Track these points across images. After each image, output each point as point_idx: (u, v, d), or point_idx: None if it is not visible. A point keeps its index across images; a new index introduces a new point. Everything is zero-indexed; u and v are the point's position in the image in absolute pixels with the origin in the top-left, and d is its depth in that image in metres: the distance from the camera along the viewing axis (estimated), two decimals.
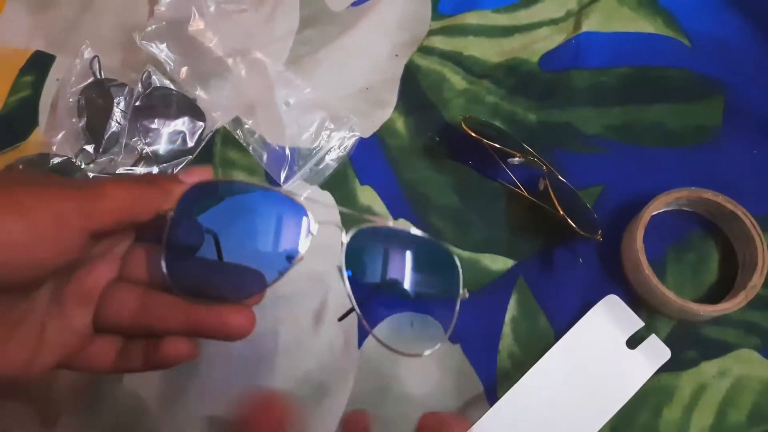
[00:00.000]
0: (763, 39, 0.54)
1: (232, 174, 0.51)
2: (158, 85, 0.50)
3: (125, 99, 0.50)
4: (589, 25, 0.55)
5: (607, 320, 0.43)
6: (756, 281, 0.42)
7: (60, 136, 0.50)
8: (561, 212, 0.43)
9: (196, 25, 0.50)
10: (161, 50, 0.51)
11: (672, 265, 0.46)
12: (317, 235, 0.48)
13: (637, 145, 0.51)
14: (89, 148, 0.49)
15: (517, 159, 0.47)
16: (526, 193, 0.48)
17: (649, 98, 0.52)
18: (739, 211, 0.44)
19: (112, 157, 0.49)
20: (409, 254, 0.37)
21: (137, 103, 0.49)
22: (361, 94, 0.54)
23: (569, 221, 0.43)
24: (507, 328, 0.45)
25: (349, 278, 0.34)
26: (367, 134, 0.52)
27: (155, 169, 0.49)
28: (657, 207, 0.46)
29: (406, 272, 0.37)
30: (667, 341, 0.43)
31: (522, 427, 0.40)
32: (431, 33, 0.57)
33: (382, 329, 0.45)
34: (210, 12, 0.52)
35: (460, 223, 0.49)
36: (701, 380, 0.42)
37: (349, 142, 0.51)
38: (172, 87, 0.50)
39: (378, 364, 0.44)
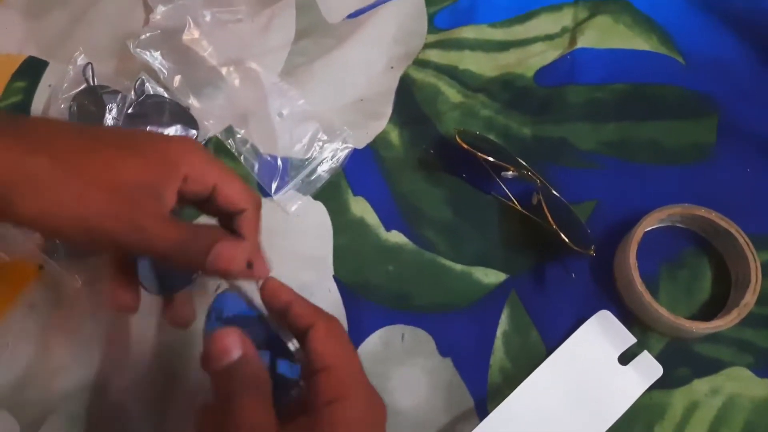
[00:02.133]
0: (757, 57, 0.55)
1: None
2: (151, 92, 0.50)
3: (118, 106, 0.50)
4: (584, 41, 0.55)
5: (600, 336, 0.43)
6: (749, 299, 0.42)
7: None
8: (554, 226, 0.42)
9: (191, 34, 0.50)
10: (155, 58, 0.51)
11: (665, 282, 0.46)
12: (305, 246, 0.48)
13: (632, 161, 0.51)
14: None
15: (510, 173, 0.47)
16: (519, 207, 0.47)
17: (643, 115, 0.53)
18: (732, 229, 0.44)
19: None
20: None
21: (129, 110, 0.49)
22: (355, 105, 0.54)
23: (562, 235, 0.42)
24: (498, 342, 0.44)
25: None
26: (361, 145, 0.52)
27: None
28: (650, 223, 0.45)
29: None
30: (660, 358, 0.43)
31: None
32: (427, 46, 0.57)
33: (373, 341, 0.45)
34: (205, 21, 0.52)
35: (452, 236, 0.49)
36: (693, 398, 0.42)
37: (342, 154, 0.51)
38: (166, 95, 0.50)
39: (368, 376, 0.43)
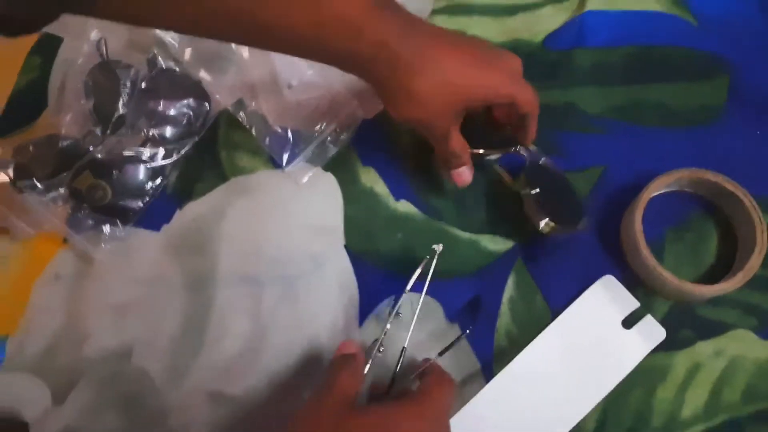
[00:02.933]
0: None
1: (236, 155, 0.51)
2: (163, 67, 0.51)
3: (131, 81, 0.51)
4: (593, 3, 0.55)
5: (604, 300, 0.43)
6: (754, 262, 0.43)
7: (68, 117, 0.51)
8: (530, 215, 0.44)
9: None
10: (166, 32, 0.51)
11: (671, 245, 0.46)
12: (316, 217, 0.49)
13: (640, 125, 0.51)
14: (97, 129, 0.50)
15: (494, 156, 0.48)
16: (510, 182, 0.47)
17: (652, 78, 0.52)
18: (739, 192, 0.44)
19: (119, 138, 0.50)
20: None
21: (143, 86, 0.50)
22: None
23: (538, 221, 0.43)
24: (504, 308, 0.45)
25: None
26: (370, 115, 0.53)
27: (161, 151, 0.50)
28: (657, 188, 0.46)
29: None
30: (664, 321, 0.44)
31: (517, 403, 0.41)
32: (435, 12, 0.57)
33: (383, 307, 0.46)
34: None
35: (460, 205, 0.49)
36: (696, 360, 0.43)
37: (352, 124, 0.51)
38: (177, 69, 0.51)
39: None
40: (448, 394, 0.36)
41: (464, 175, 0.46)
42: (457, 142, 0.43)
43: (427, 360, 0.39)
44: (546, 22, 0.55)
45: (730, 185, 0.45)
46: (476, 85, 0.40)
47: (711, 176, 0.45)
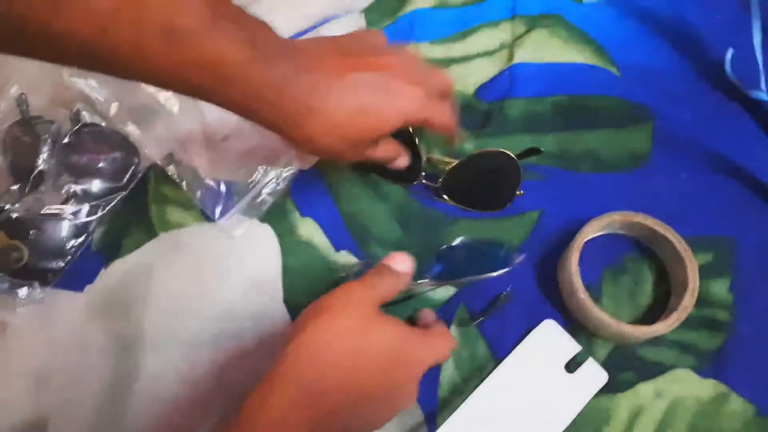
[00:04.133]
0: (690, 65, 0.57)
1: (166, 210, 0.50)
2: (88, 121, 0.49)
3: (53, 136, 0.49)
4: (521, 56, 0.57)
5: (545, 345, 0.43)
6: (687, 302, 0.43)
7: None
8: None
9: None
10: (91, 86, 0.50)
11: (608, 288, 0.47)
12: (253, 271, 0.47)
13: (573, 170, 0.52)
14: (14, 188, 0.47)
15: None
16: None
17: (581, 125, 0.54)
18: (669, 234, 0.45)
19: (38, 196, 0.47)
20: None
21: (66, 140, 0.48)
22: None
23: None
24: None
25: None
26: (306, 166, 0.52)
27: (86, 207, 0.47)
28: (591, 231, 0.46)
29: None
30: (606, 363, 0.43)
31: None
32: None
33: None
34: None
35: None
36: (638, 402, 0.43)
37: (288, 174, 0.51)
38: (103, 123, 0.49)
39: None
40: (446, 345, 0.38)
41: (400, 163, 0.46)
42: (382, 152, 0.42)
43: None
44: (477, 73, 0.57)
45: (660, 227, 0.46)
46: (378, 119, 0.38)
47: (641, 219, 0.46)
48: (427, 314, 0.43)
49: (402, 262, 0.39)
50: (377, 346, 0.33)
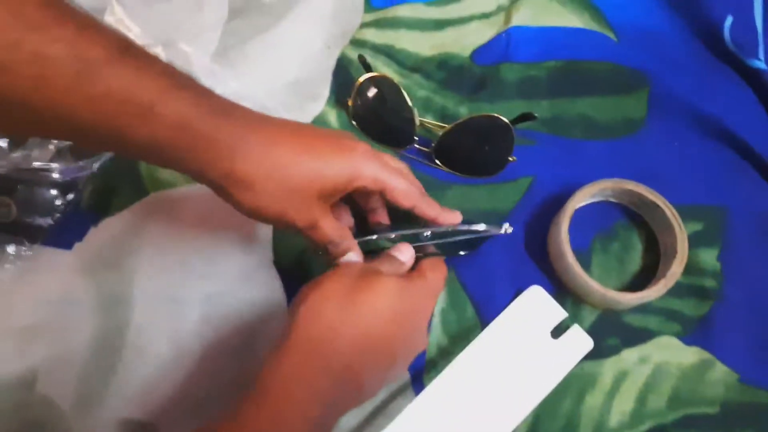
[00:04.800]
0: (687, 29, 0.56)
1: (157, 169, 0.49)
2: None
3: None
4: (519, 19, 0.56)
5: (531, 311, 0.43)
6: (675, 269, 0.43)
7: None
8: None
9: (114, 14, 0.48)
10: None
11: (597, 254, 0.47)
12: (243, 232, 0.47)
13: (566, 137, 0.51)
14: (2, 143, 0.46)
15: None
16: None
17: (577, 91, 0.53)
18: (659, 202, 0.45)
19: (27, 152, 0.47)
20: None
21: None
22: (291, 87, 0.53)
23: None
24: (436, 319, 0.45)
25: None
26: None
27: (75, 164, 0.47)
28: (582, 198, 0.46)
29: None
30: (592, 329, 0.44)
31: (448, 415, 0.40)
32: (364, 25, 0.57)
33: None
34: (130, 0, 0.50)
35: (393, 218, 0.48)
36: (623, 367, 0.43)
37: None
38: None
39: None
40: (440, 278, 0.38)
41: (348, 257, 0.40)
42: (330, 229, 0.38)
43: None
44: (474, 36, 0.56)
45: (652, 195, 0.46)
46: (324, 170, 0.35)
47: (633, 186, 0.46)
48: (404, 248, 0.40)
49: (405, 252, 0.40)
50: (382, 303, 0.34)
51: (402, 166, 0.41)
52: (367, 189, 0.38)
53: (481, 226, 0.42)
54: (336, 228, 0.38)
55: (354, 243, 0.40)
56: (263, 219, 0.36)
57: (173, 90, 0.30)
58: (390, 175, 0.38)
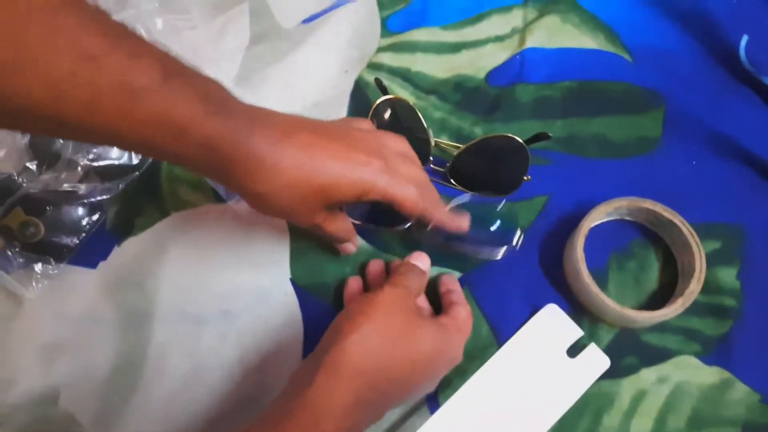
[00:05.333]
0: (701, 49, 0.56)
1: (179, 189, 0.50)
2: None
3: None
4: (533, 41, 0.56)
5: (548, 329, 0.43)
6: (693, 288, 0.43)
7: (2, 153, 0.49)
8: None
9: None
10: None
11: (614, 273, 0.47)
12: (262, 250, 0.48)
13: (581, 156, 0.52)
14: (32, 165, 0.48)
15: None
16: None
17: (591, 111, 0.54)
18: (677, 220, 0.45)
19: (56, 174, 0.48)
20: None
21: None
22: (310, 110, 0.55)
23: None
24: None
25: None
26: None
27: (100, 186, 0.49)
28: (598, 216, 0.46)
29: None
30: (609, 349, 0.44)
31: None
32: (380, 50, 0.58)
33: None
34: (157, 29, 0.52)
35: (409, 238, 0.49)
36: (641, 387, 0.43)
37: None
38: None
39: None
40: (470, 322, 0.42)
41: (348, 248, 0.46)
42: (333, 226, 0.41)
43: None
44: (488, 59, 0.57)
45: (668, 213, 0.46)
46: (333, 184, 0.36)
47: (650, 205, 0.46)
48: (448, 281, 0.45)
49: (424, 261, 0.45)
50: (422, 347, 0.37)
51: (416, 174, 0.41)
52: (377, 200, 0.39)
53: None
54: (340, 227, 0.42)
55: (355, 239, 0.45)
56: (267, 214, 0.38)
57: (203, 117, 0.32)
58: (399, 188, 0.39)
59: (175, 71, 0.32)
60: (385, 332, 0.35)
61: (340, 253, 0.47)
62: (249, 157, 0.34)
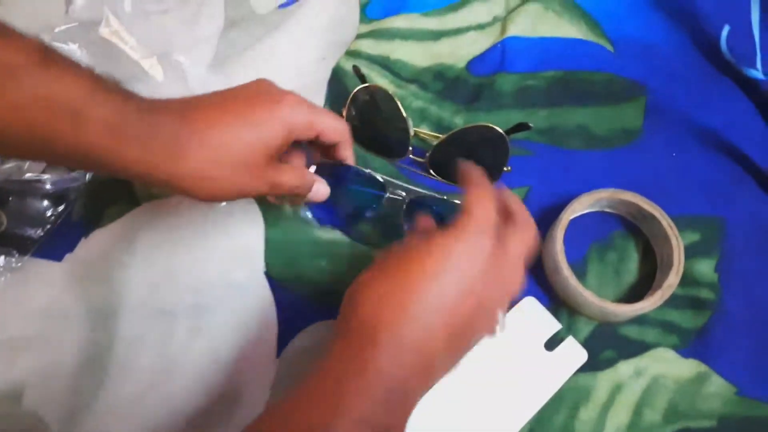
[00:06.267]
0: (684, 41, 0.56)
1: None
2: None
3: None
4: (515, 29, 0.56)
5: (525, 323, 0.43)
6: (672, 280, 0.43)
7: None
8: None
9: (110, 26, 0.48)
10: (73, 52, 0.49)
11: (593, 265, 0.46)
12: (235, 242, 0.47)
13: (563, 147, 0.51)
14: None
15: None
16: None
17: (573, 101, 0.53)
18: (656, 212, 0.45)
19: (19, 163, 0.46)
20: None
21: None
22: None
23: None
24: None
25: None
26: None
27: (67, 175, 0.47)
28: (577, 209, 0.46)
29: None
30: (588, 342, 0.43)
31: (440, 428, 0.40)
32: (359, 36, 0.57)
33: (303, 337, 0.44)
34: (126, 13, 0.50)
35: (387, 231, 0.48)
36: (618, 380, 0.42)
37: None
38: None
39: (296, 375, 0.43)
40: (490, 208, 0.32)
41: (319, 193, 0.42)
42: (286, 178, 0.38)
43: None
44: (469, 47, 0.56)
45: (648, 206, 0.45)
46: (259, 131, 0.35)
47: (630, 197, 0.46)
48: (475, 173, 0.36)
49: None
50: (440, 269, 0.31)
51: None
52: (305, 137, 0.38)
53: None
54: (295, 176, 0.39)
55: (315, 177, 0.41)
56: (223, 200, 0.37)
57: (99, 93, 0.30)
58: (319, 116, 0.38)
59: (53, 51, 0.30)
60: (393, 273, 0.31)
61: (315, 227, 0.46)
62: (165, 134, 0.32)
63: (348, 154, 0.43)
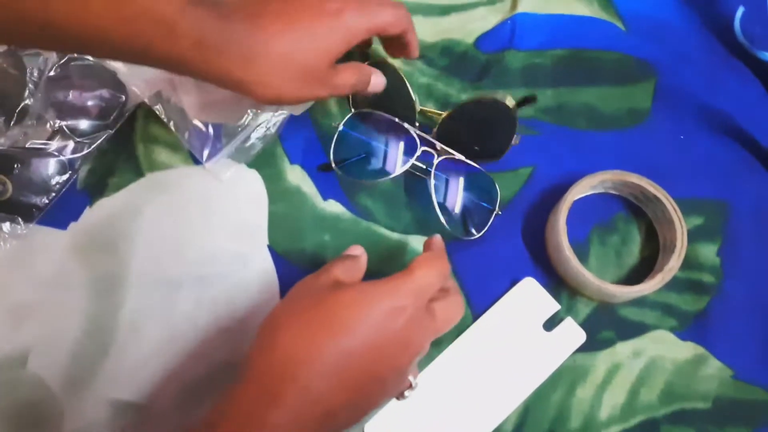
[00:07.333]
0: (697, 19, 0.55)
1: (153, 150, 0.49)
2: (75, 54, 0.48)
3: (39, 68, 0.48)
4: (525, 5, 0.55)
5: (524, 303, 0.43)
6: (673, 264, 0.43)
7: None
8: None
9: None
10: None
11: (595, 246, 0.46)
12: (239, 215, 0.47)
13: (569, 127, 0.51)
14: None
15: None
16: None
17: (582, 81, 0.52)
18: (661, 195, 0.45)
19: (24, 130, 0.47)
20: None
21: (51, 74, 0.47)
22: None
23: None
24: None
25: None
26: (298, 112, 0.51)
27: (71, 144, 0.47)
28: (582, 189, 0.46)
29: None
30: (587, 322, 0.44)
31: (438, 406, 0.40)
32: None
33: None
34: None
35: (390, 205, 0.48)
36: (616, 360, 0.43)
37: (278, 119, 0.50)
38: (90, 58, 0.48)
39: None
40: (432, 273, 0.34)
41: (377, 84, 0.45)
42: (346, 78, 0.41)
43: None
44: (478, 23, 0.55)
45: (653, 188, 0.45)
46: (322, 40, 0.38)
47: (635, 179, 0.45)
48: (436, 242, 0.39)
49: (356, 249, 0.40)
50: (344, 318, 0.32)
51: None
52: (366, 41, 0.43)
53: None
54: (353, 73, 0.42)
55: (372, 69, 0.45)
56: (286, 104, 0.41)
57: (188, 8, 0.33)
58: (378, 17, 0.41)
59: None
60: (296, 321, 0.33)
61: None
62: (239, 46, 0.35)
63: (412, 37, 0.45)
